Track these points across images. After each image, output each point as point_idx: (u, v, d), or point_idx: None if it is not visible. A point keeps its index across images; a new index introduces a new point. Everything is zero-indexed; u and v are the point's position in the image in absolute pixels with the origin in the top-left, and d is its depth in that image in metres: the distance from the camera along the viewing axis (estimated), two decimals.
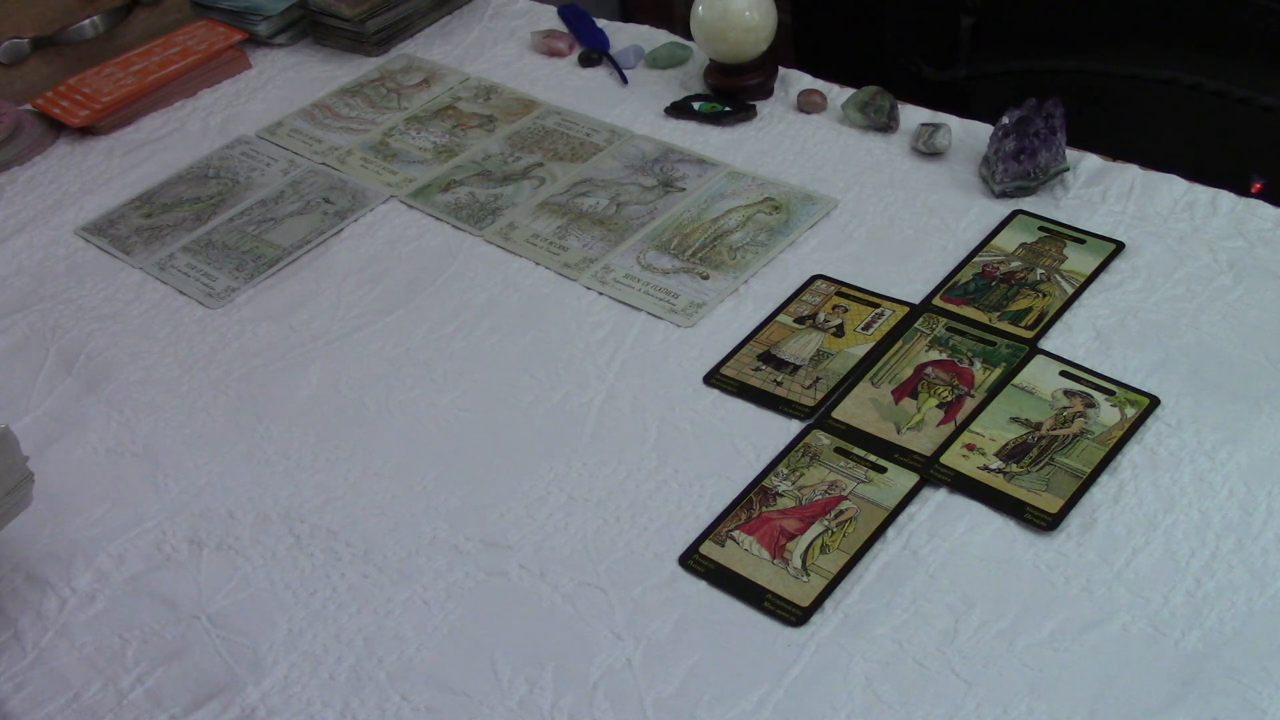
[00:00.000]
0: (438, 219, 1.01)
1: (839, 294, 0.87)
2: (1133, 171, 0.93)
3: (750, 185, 0.99)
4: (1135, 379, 0.77)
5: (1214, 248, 0.86)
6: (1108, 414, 0.75)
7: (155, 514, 0.79)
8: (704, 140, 1.05)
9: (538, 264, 0.94)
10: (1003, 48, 1.62)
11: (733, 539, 0.72)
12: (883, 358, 0.82)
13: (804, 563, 0.70)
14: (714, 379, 0.83)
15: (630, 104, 1.11)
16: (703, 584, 0.70)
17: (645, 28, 1.21)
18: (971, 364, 0.80)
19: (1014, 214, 0.91)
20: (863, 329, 0.84)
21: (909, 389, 0.79)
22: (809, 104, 1.06)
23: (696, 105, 1.08)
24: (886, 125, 1.02)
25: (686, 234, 0.95)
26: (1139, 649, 0.63)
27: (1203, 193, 0.90)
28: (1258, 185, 1.31)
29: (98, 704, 0.69)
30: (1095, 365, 0.79)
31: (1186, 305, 0.82)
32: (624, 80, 1.14)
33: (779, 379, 0.81)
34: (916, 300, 0.86)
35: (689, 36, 1.11)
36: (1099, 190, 0.92)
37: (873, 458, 0.75)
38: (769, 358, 0.83)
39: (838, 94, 1.07)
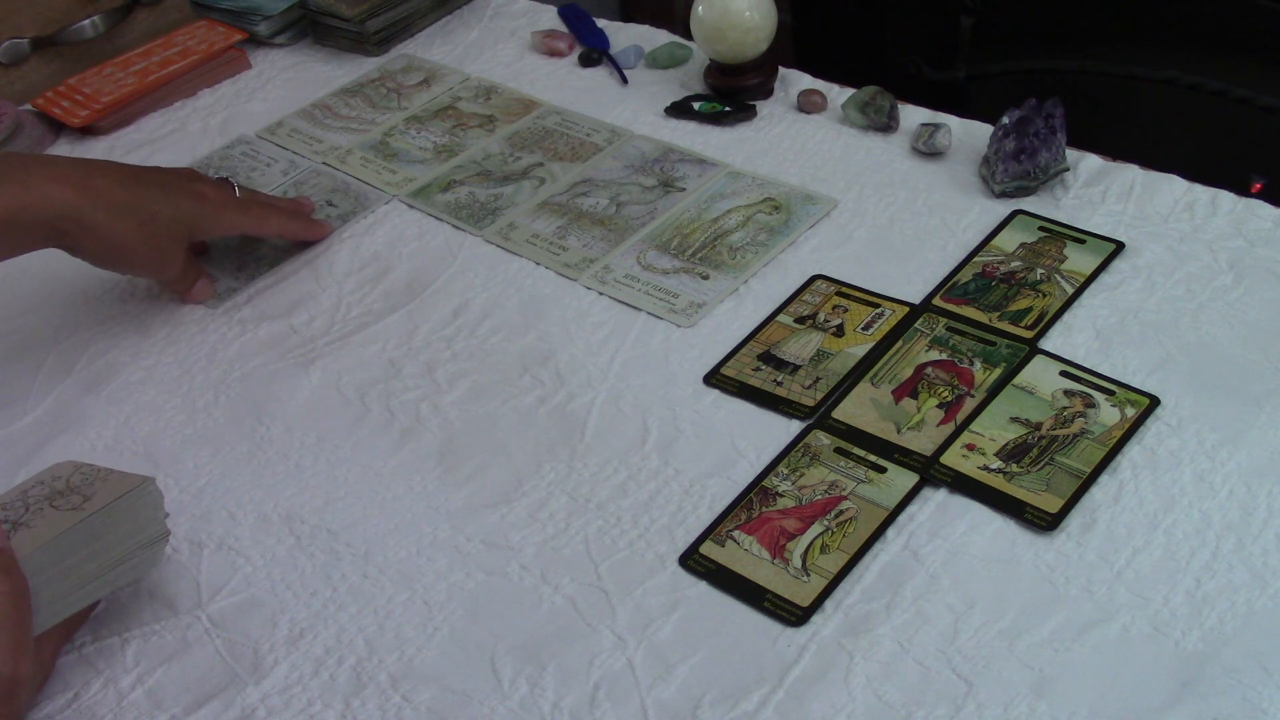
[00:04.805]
0: (438, 219, 1.01)
1: (839, 294, 0.87)
2: (1133, 171, 0.93)
3: (750, 185, 0.99)
4: (1135, 379, 0.77)
5: (1214, 248, 0.86)
6: (1108, 414, 0.75)
7: None
8: (704, 140, 1.05)
9: (538, 264, 0.94)
10: (1003, 48, 1.62)
11: (733, 539, 0.72)
12: (883, 358, 0.82)
13: (804, 563, 0.70)
14: (714, 379, 0.83)
15: (630, 104, 1.11)
16: (703, 584, 0.70)
17: (645, 28, 1.21)
18: (971, 364, 0.80)
19: (1014, 214, 0.91)
20: (863, 329, 0.84)
21: (909, 389, 0.79)
22: (809, 104, 1.06)
23: (696, 105, 1.08)
24: (886, 125, 1.02)
25: (686, 234, 0.95)
26: (1139, 649, 0.63)
27: (1203, 193, 0.90)
28: (1258, 185, 1.31)
29: (97, 704, 0.69)
30: (1095, 365, 0.79)
31: (1186, 305, 0.82)
32: (624, 80, 1.14)
33: (779, 379, 0.81)
34: (916, 300, 0.86)
35: (689, 36, 1.11)
36: (1099, 190, 0.92)
37: (873, 458, 0.75)
38: (769, 358, 0.83)
39: (838, 94, 1.07)
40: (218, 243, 1.01)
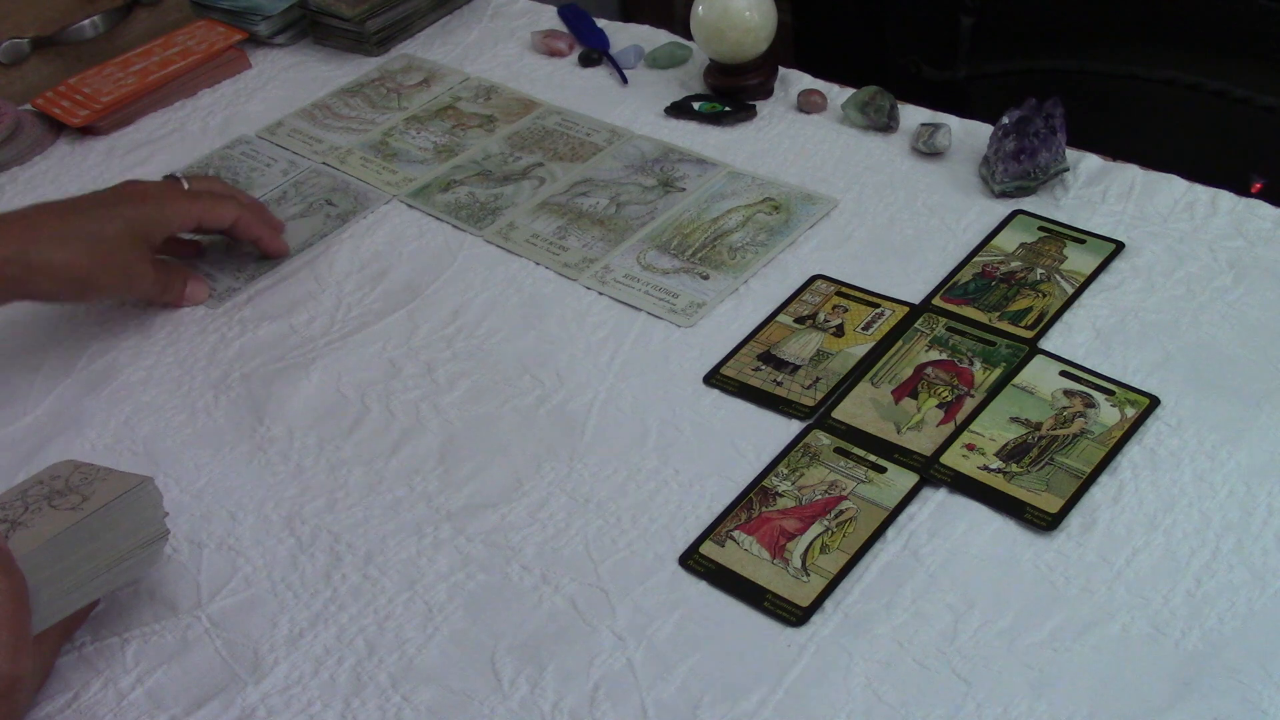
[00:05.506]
0: (438, 219, 1.01)
1: (839, 294, 0.87)
2: (1133, 171, 0.93)
3: (750, 185, 0.99)
4: (1135, 379, 0.77)
5: (1214, 248, 0.86)
6: (1108, 414, 0.75)
7: None
8: (704, 140, 1.05)
9: (538, 264, 0.94)
10: (1003, 48, 1.62)
11: (733, 539, 0.72)
12: (883, 358, 0.82)
13: (804, 563, 0.70)
14: (714, 379, 0.83)
15: (630, 104, 1.11)
16: (703, 584, 0.70)
17: (645, 28, 1.21)
18: (971, 364, 0.80)
19: (1014, 214, 0.91)
20: (863, 329, 0.84)
21: (909, 389, 0.79)
22: (809, 104, 1.06)
23: (696, 105, 1.08)
24: (886, 125, 1.02)
25: (686, 234, 0.95)
26: (1139, 649, 0.63)
27: (1203, 193, 0.90)
28: (1258, 185, 1.31)
29: (97, 704, 0.69)
30: (1095, 365, 0.79)
31: (1186, 305, 0.82)
32: (624, 80, 1.14)
33: (779, 379, 0.81)
34: (916, 300, 0.86)
35: (689, 36, 1.11)
36: (1099, 190, 0.92)
37: (873, 458, 0.75)
38: (769, 358, 0.83)
39: (838, 94, 1.07)
40: (218, 242, 1.01)
